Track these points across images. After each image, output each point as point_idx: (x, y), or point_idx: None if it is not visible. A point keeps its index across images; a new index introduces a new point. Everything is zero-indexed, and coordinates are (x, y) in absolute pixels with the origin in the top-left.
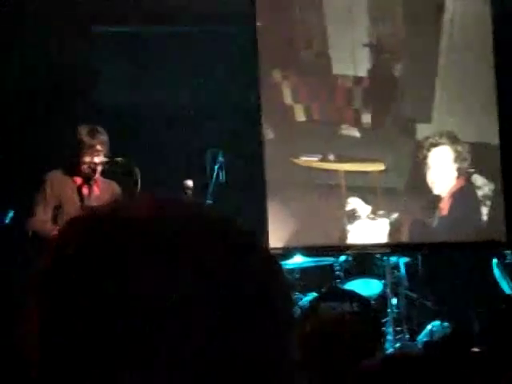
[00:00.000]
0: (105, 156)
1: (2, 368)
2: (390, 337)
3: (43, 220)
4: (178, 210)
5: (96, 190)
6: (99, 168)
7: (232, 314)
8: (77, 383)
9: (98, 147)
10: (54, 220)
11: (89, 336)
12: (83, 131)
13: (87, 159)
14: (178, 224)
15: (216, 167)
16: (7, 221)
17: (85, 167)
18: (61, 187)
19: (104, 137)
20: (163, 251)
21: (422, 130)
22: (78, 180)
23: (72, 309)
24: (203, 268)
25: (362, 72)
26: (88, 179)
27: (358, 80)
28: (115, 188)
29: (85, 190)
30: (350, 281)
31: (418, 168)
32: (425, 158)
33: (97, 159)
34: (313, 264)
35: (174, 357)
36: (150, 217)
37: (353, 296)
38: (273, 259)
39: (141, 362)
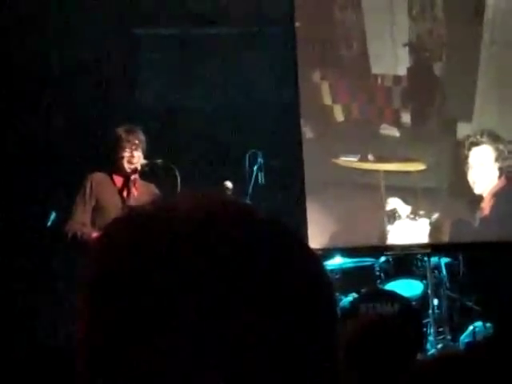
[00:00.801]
0: (144, 157)
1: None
2: (431, 338)
3: (82, 222)
4: (227, 210)
5: (135, 192)
6: (139, 166)
7: (283, 312)
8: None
9: (136, 141)
10: (93, 222)
11: (141, 337)
12: (121, 130)
13: (127, 154)
14: (228, 224)
15: (255, 168)
16: (49, 223)
17: (125, 163)
18: (101, 189)
19: (141, 135)
20: (215, 251)
21: (463, 129)
22: (119, 181)
23: (124, 310)
24: (255, 268)
25: (402, 71)
26: (128, 179)
27: (397, 79)
28: (154, 190)
29: (125, 193)
30: (390, 281)
31: (459, 167)
32: (466, 157)
33: (136, 153)
34: (353, 265)
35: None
36: (199, 216)
37: (393, 297)
38: (319, 259)
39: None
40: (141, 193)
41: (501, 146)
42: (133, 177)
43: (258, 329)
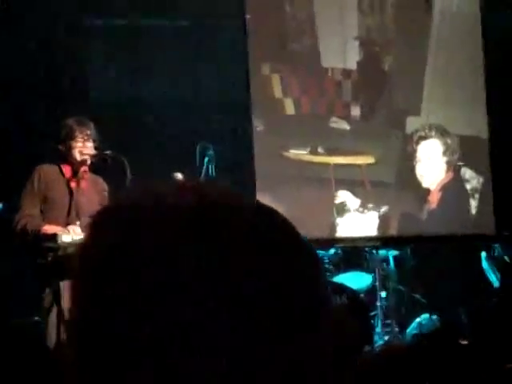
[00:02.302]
0: (94, 148)
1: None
2: (378, 330)
3: (31, 214)
4: (222, 198)
5: (83, 184)
6: (89, 159)
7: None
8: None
9: (88, 132)
10: (42, 214)
11: (135, 327)
12: (72, 121)
13: (79, 144)
14: (225, 211)
15: (206, 160)
16: None
17: (76, 153)
18: (49, 180)
19: (92, 127)
20: (213, 240)
21: (412, 123)
22: (68, 172)
23: (120, 301)
24: (256, 257)
25: (352, 65)
26: (77, 170)
27: (347, 73)
28: (102, 183)
29: (72, 184)
30: (339, 274)
31: (407, 161)
32: (414, 151)
33: (88, 144)
34: None
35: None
36: (198, 204)
37: (342, 289)
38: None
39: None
40: (89, 185)
41: (449, 140)
42: (82, 168)
43: (259, 321)
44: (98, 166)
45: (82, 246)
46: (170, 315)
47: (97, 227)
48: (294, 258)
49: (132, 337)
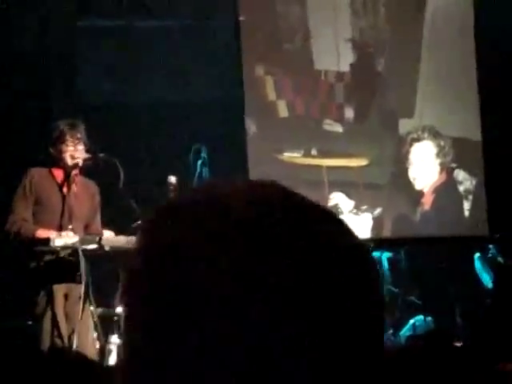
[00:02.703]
0: (86, 151)
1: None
2: None
3: (23, 218)
4: (282, 199)
5: (75, 188)
6: (81, 161)
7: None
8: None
9: (79, 136)
10: (34, 218)
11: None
12: (63, 125)
13: (70, 148)
14: (277, 210)
15: (199, 163)
16: None
17: (67, 157)
18: (41, 184)
19: (83, 130)
20: (266, 238)
21: (405, 125)
22: (59, 176)
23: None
24: (328, 265)
25: (345, 67)
26: (69, 174)
27: (340, 75)
28: (93, 187)
29: (64, 188)
30: None
31: (401, 163)
32: (407, 152)
33: (79, 147)
34: None
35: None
36: (251, 203)
37: None
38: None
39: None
40: (81, 189)
41: (441, 142)
42: (74, 172)
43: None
44: (91, 168)
45: (140, 245)
46: (222, 326)
47: (158, 225)
48: (343, 252)
49: (180, 347)
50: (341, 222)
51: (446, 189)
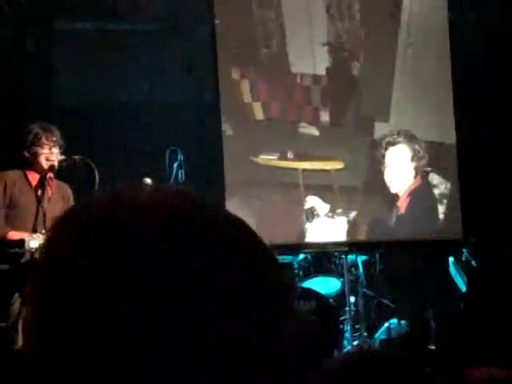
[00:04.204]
0: (61, 153)
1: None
2: (348, 334)
3: None
4: (175, 197)
5: (49, 191)
6: (56, 163)
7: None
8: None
9: (54, 139)
10: (7, 221)
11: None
12: (37, 127)
13: (45, 151)
14: (179, 209)
15: (175, 165)
16: None
17: (42, 160)
18: (14, 187)
19: (58, 133)
20: (173, 235)
21: (380, 129)
22: (34, 179)
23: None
24: (223, 264)
25: (321, 70)
26: (43, 177)
27: (316, 78)
28: (67, 190)
29: (38, 191)
30: (308, 279)
31: (376, 167)
32: (382, 156)
33: (54, 150)
34: None
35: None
36: (154, 203)
37: (311, 294)
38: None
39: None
40: (55, 192)
41: (416, 146)
42: (48, 175)
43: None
44: (66, 170)
45: (43, 247)
46: (125, 325)
47: (57, 229)
48: (259, 266)
49: (90, 349)
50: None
51: (421, 192)
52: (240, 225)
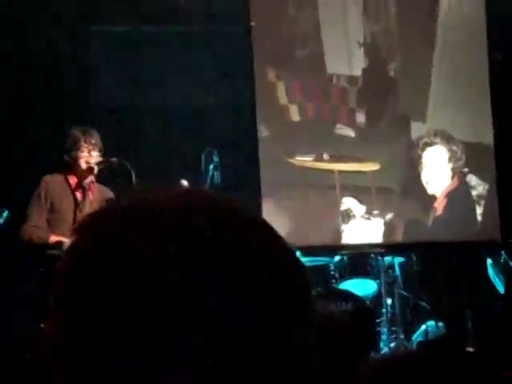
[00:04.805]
0: (99, 156)
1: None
2: (384, 337)
3: (38, 225)
4: (204, 201)
5: (90, 195)
6: (95, 168)
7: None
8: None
9: (93, 142)
10: (49, 225)
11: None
12: (77, 131)
13: (84, 154)
14: (209, 214)
15: (211, 167)
16: (1, 221)
17: (82, 163)
18: (55, 191)
19: (97, 136)
20: (201, 241)
21: (417, 129)
22: (74, 182)
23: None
24: (240, 257)
25: (357, 71)
26: (83, 180)
27: (352, 79)
28: (109, 194)
29: (79, 195)
30: (344, 281)
31: (413, 168)
32: (419, 157)
33: (93, 153)
34: (307, 264)
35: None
36: (183, 208)
37: (347, 296)
38: (295, 256)
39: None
40: (96, 196)
41: (454, 147)
42: (89, 179)
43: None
44: (104, 173)
45: (65, 251)
46: (144, 327)
47: (80, 232)
48: (274, 255)
49: (115, 351)
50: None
51: (459, 194)
52: (264, 226)
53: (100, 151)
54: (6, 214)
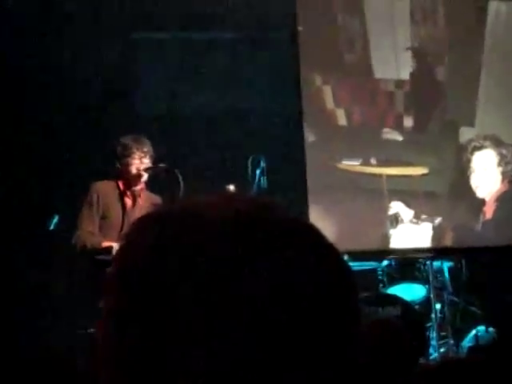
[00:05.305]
0: (150, 157)
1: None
2: (433, 342)
3: (90, 231)
4: (251, 206)
5: (140, 202)
6: (145, 175)
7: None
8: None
9: (145, 150)
10: (100, 231)
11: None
12: (128, 139)
13: (136, 161)
14: (258, 221)
15: (258, 172)
16: (51, 226)
17: (133, 170)
18: (107, 197)
19: (148, 144)
20: (250, 245)
21: (466, 134)
22: (123, 186)
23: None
24: (290, 266)
25: (405, 75)
26: (132, 186)
27: (400, 83)
28: (157, 200)
29: (128, 201)
30: (393, 285)
31: (462, 172)
32: (468, 161)
33: (145, 161)
34: (355, 269)
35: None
36: (229, 216)
37: (396, 301)
38: (342, 260)
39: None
40: (144, 202)
41: (503, 151)
42: (139, 186)
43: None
44: (152, 179)
45: (116, 254)
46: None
47: (130, 236)
48: (325, 276)
49: (169, 356)
50: (309, 236)
51: (509, 197)
52: (309, 228)
53: (151, 158)
54: (55, 219)
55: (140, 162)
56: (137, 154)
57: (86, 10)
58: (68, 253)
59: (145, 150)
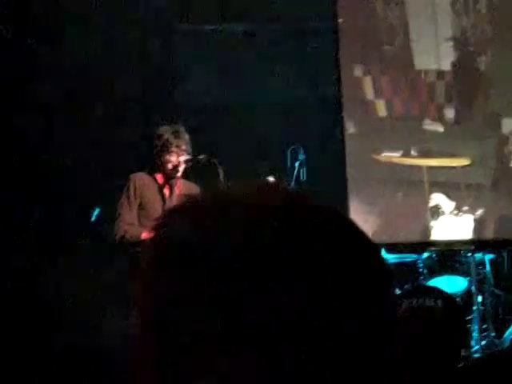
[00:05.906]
0: (188, 154)
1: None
2: (475, 334)
3: (130, 222)
4: (305, 200)
5: (177, 191)
6: (182, 167)
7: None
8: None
9: (183, 147)
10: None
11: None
12: (167, 132)
13: (173, 158)
14: (307, 213)
15: (297, 164)
16: (93, 218)
17: (169, 166)
18: (144, 188)
19: (187, 137)
20: (295, 240)
21: (508, 125)
22: (161, 180)
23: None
24: (336, 257)
25: (446, 66)
26: (169, 178)
27: (441, 74)
28: (195, 190)
29: (166, 191)
30: (433, 278)
31: (504, 163)
32: (510, 152)
33: (182, 158)
34: (396, 261)
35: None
36: (286, 205)
37: (437, 293)
38: (378, 251)
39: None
40: (182, 191)
41: None
42: (176, 176)
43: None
44: (192, 170)
45: (153, 238)
46: (243, 315)
47: (171, 219)
48: (364, 271)
49: (207, 337)
50: (344, 229)
51: None
52: (344, 221)
53: (188, 154)
54: (97, 211)
55: (177, 159)
56: (175, 152)
57: (127, 1)
58: (111, 244)
59: (183, 148)
